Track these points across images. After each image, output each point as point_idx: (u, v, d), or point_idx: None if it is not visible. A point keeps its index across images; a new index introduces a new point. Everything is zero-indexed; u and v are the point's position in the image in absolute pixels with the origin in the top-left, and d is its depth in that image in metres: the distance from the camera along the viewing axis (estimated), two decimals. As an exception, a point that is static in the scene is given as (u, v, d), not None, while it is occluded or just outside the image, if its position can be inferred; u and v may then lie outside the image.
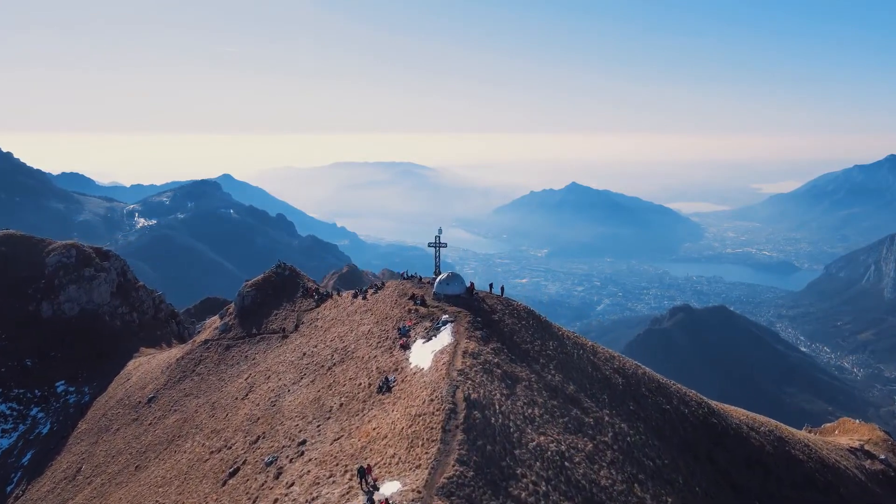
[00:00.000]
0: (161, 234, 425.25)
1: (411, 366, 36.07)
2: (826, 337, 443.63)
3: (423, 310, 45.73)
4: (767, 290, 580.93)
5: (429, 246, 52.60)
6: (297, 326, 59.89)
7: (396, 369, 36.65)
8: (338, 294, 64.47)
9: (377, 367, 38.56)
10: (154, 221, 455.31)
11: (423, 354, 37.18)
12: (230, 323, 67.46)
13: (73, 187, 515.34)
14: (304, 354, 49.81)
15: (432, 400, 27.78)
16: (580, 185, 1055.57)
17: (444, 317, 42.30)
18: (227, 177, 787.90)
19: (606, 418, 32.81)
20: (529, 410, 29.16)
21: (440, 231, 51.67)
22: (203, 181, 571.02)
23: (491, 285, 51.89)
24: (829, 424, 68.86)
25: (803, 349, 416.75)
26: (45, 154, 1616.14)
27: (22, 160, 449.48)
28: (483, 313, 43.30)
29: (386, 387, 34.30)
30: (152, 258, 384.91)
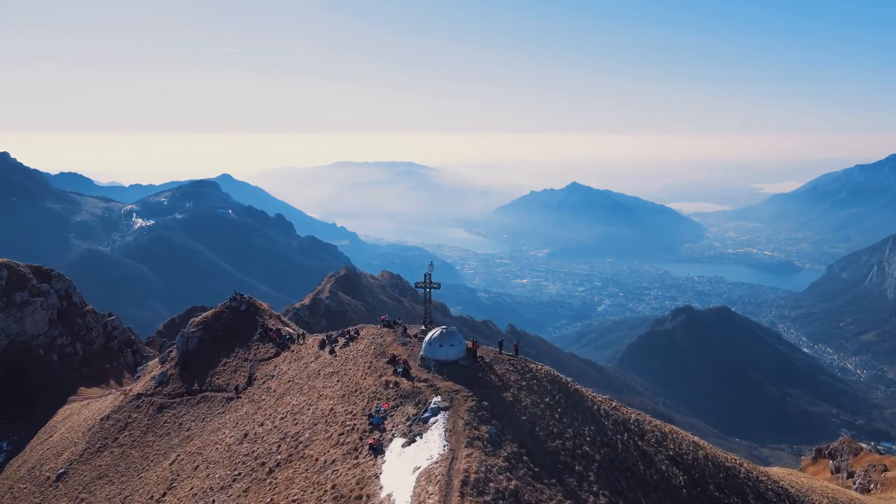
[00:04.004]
0: (159, 234, 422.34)
1: (381, 495, 25.68)
2: (828, 338, 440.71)
3: (405, 384, 34.42)
4: (769, 291, 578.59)
5: (416, 286, 42.64)
6: (249, 381, 49.31)
7: (360, 497, 26.33)
8: (302, 340, 53.57)
9: (332, 486, 28.10)
10: (152, 222, 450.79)
11: (400, 471, 26.71)
12: (169, 373, 56.19)
13: (71, 187, 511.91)
14: (246, 436, 39.37)
15: None
16: (580, 184, 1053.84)
17: (435, 399, 31.46)
18: (226, 177, 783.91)
19: (679, 563, 23.92)
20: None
21: (431, 266, 42.44)
22: (201, 181, 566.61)
23: (501, 343, 40.51)
24: (889, 474, 60.43)
25: (806, 350, 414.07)
26: (45, 154, 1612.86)
27: (19, 160, 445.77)
28: (490, 390, 32.52)
29: None
30: (150, 259, 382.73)
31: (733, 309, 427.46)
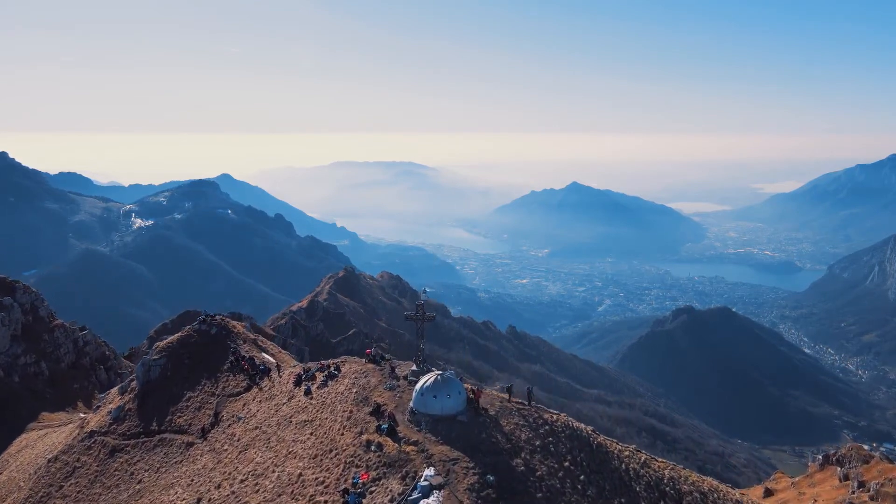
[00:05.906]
0: (158, 234, 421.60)
1: None
2: (830, 338, 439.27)
3: (390, 446, 28.28)
4: (770, 291, 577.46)
5: (406, 318, 37.52)
6: (214, 421, 43.61)
7: None
8: (277, 372, 47.73)
9: None
10: (151, 222, 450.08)
11: None
12: (126, 407, 50.00)
13: (70, 187, 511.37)
14: (199, 502, 34.47)
15: None
16: (581, 184, 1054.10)
17: (427, 473, 25.64)
18: (225, 176, 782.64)
19: None
20: None
21: (425, 293, 38.79)
22: (201, 181, 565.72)
23: (510, 388, 34.45)
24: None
25: (807, 350, 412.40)
26: (44, 154, 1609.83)
27: (17, 160, 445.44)
28: (497, 457, 26.89)
29: None
30: (149, 259, 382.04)
31: (734, 309, 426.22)
